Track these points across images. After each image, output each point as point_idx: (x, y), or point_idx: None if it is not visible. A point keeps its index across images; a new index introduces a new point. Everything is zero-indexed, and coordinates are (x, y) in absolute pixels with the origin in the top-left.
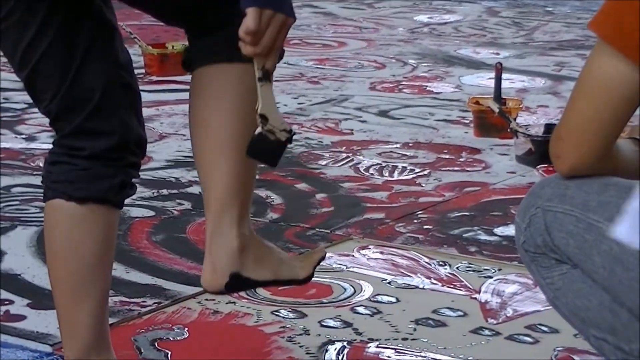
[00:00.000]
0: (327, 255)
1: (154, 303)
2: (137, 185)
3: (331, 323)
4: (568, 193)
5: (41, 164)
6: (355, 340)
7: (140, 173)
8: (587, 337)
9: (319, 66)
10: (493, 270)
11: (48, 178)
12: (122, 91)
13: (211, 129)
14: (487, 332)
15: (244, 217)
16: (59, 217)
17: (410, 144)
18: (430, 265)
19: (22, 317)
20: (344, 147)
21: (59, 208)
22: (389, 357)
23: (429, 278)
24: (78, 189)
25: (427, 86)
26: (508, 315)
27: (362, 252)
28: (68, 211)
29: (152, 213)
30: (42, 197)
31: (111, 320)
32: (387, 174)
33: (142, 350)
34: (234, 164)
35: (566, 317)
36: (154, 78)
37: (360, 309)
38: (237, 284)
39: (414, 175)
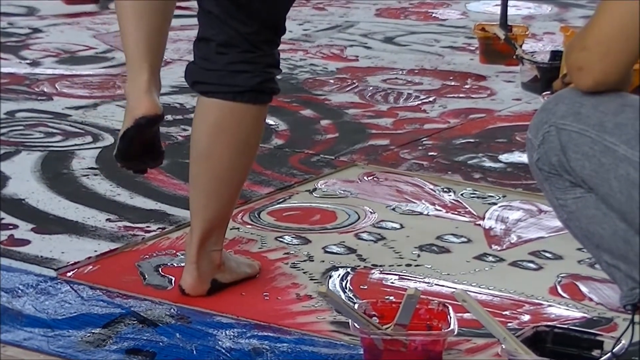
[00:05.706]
0: (332, 181)
1: (158, 228)
2: None
3: (335, 249)
4: (583, 111)
5: (46, 90)
6: (359, 266)
7: None
8: (599, 262)
9: None
10: (497, 197)
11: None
12: None
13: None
14: (490, 258)
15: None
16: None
17: (416, 71)
18: (435, 191)
19: (26, 242)
20: (349, 74)
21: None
22: (392, 283)
23: (434, 204)
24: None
25: (433, 13)
26: (512, 241)
27: (367, 178)
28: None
29: None
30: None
31: (115, 246)
32: (392, 101)
33: (147, 276)
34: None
35: (579, 239)
36: None
37: (364, 235)
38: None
39: (419, 102)
